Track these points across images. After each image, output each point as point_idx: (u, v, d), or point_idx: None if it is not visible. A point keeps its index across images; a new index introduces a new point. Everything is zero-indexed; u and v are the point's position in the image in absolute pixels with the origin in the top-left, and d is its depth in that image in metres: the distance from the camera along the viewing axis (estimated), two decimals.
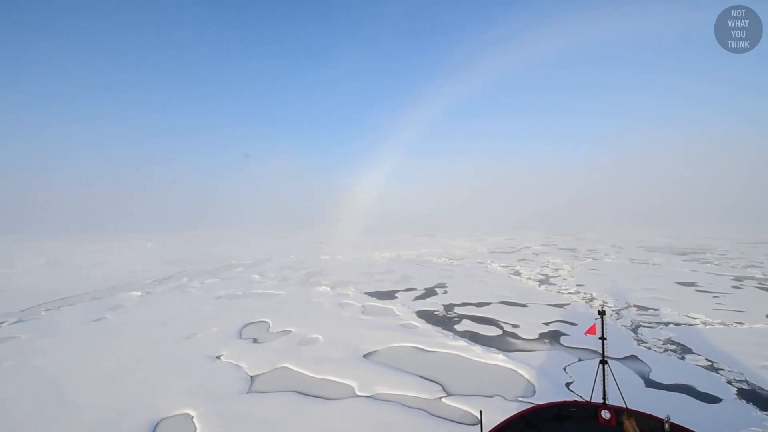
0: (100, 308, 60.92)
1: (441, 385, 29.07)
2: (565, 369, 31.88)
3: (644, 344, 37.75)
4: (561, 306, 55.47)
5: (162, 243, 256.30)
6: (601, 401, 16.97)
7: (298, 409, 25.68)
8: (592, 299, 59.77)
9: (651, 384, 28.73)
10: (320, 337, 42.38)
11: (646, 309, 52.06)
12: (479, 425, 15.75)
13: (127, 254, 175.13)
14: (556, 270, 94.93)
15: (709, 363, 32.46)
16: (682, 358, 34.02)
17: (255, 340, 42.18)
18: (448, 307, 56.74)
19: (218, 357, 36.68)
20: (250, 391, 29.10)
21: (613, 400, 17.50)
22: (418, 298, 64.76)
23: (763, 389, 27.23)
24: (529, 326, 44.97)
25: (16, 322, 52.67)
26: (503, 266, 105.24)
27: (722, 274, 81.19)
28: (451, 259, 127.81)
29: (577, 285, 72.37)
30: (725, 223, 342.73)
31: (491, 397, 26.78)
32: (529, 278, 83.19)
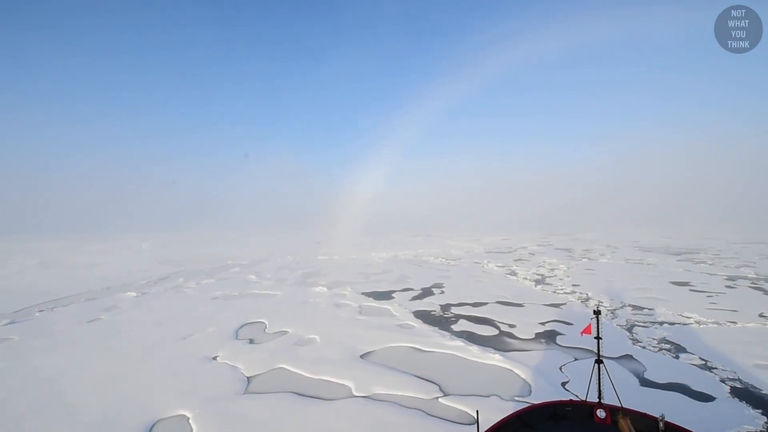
0: (95, 309, 60.46)
1: (438, 385, 29.12)
2: (560, 368, 32.06)
3: (639, 343, 38.04)
4: (557, 306, 55.76)
5: (159, 243, 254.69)
6: (597, 400, 17.09)
7: (294, 409, 25.63)
8: (587, 299, 60.15)
9: (646, 383, 28.96)
10: (317, 337, 42.31)
11: (641, 309, 52.46)
12: (476, 425, 15.82)
13: (123, 255, 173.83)
14: (552, 270, 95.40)
15: (703, 362, 32.77)
16: (677, 357, 34.32)
17: (251, 341, 42.04)
18: (445, 307, 56.86)
19: (214, 358, 36.52)
20: (246, 392, 28.99)
21: (609, 399, 17.62)
22: (415, 298, 64.83)
23: (756, 388, 27.53)
24: (526, 326, 45.16)
25: (9, 324, 52.13)
26: (500, 266, 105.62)
27: (716, 274, 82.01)
28: (448, 260, 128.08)
29: (573, 285, 72.79)
30: (725, 223, 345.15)
31: (488, 396, 26.87)
32: (526, 278, 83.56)
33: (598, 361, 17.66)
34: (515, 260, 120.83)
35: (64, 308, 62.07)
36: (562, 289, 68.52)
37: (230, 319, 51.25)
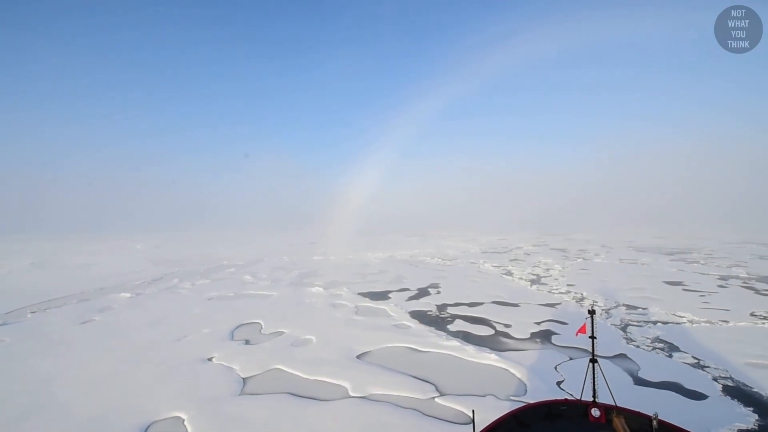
0: (88, 310, 59.83)
1: (434, 385, 29.20)
2: (556, 368, 32.27)
3: (633, 343, 38.38)
4: (552, 306, 56.09)
5: (155, 243, 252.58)
6: (592, 399, 17.22)
7: (291, 410, 25.57)
8: (582, 299, 60.56)
9: (640, 382, 29.24)
10: (313, 338, 42.23)
11: (635, 308, 52.92)
12: (472, 425, 15.88)
13: (118, 255, 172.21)
14: (548, 270, 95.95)
15: (696, 361, 33.14)
16: (670, 356, 34.67)
17: (247, 342, 41.85)
18: (441, 308, 56.98)
19: (210, 359, 36.31)
20: (242, 393, 28.87)
21: (603, 398, 17.77)
22: (411, 298, 64.90)
23: (748, 386, 27.89)
24: (521, 326, 45.39)
25: (1, 325, 51.45)
26: (495, 266, 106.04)
27: (708, 274, 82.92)
28: (444, 260, 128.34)
29: (568, 285, 73.26)
30: (724, 223, 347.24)
31: (484, 396, 26.98)
32: (521, 278, 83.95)
33: (593, 361, 17.80)
34: (511, 260, 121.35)
35: (57, 309, 61.37)
36: (557, 289, 68.94)
37: (225, 320, 50.97)
